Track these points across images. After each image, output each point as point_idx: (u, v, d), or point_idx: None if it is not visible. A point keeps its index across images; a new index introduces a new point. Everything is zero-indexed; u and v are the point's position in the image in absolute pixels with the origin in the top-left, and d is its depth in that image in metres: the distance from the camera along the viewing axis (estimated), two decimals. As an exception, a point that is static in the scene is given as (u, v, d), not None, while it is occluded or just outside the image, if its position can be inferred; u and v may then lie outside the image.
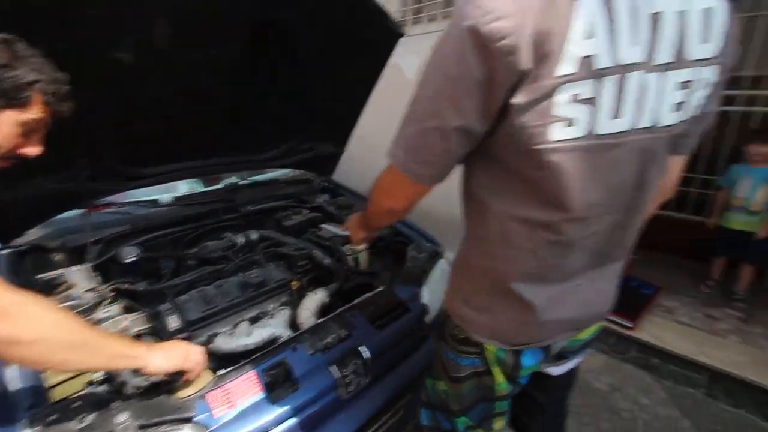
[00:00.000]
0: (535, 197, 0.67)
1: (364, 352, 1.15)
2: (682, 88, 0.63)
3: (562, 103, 0.57)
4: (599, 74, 0.56)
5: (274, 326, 1.32)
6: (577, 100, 0.57)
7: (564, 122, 0.58)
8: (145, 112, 1.31)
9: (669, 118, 0.64)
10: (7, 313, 0.65)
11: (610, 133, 0.61)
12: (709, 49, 0.62)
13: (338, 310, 1.27)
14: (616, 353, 2.35)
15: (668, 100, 0.63)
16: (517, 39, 0.53)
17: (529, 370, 0.87)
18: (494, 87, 0.58)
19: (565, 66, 0.55)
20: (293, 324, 1.37)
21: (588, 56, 0.55)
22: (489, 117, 0.62)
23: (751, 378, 1.91)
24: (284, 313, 1.41)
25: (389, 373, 1.25)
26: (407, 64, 2.82)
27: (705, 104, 0.69)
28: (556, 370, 0.97)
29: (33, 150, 0.78)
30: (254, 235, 1.64)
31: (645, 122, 0.62)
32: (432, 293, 1.49)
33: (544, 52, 0.54)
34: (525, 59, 0.54)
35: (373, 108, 3.09)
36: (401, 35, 1.52)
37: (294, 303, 1.44)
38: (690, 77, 0.62)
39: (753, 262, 2.42)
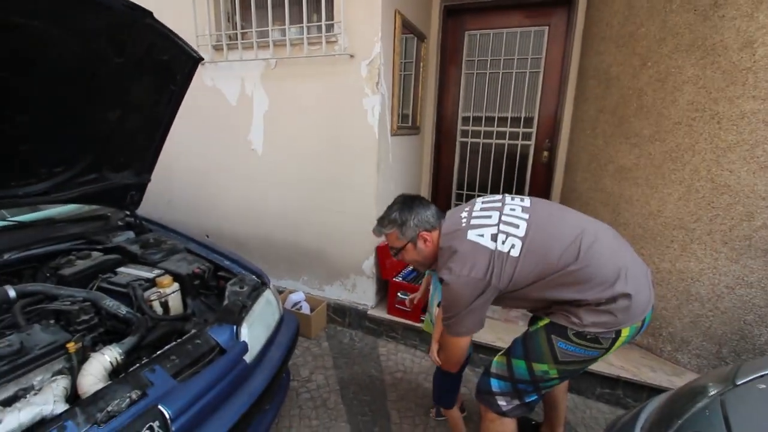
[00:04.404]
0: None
1: (166, 410, 1.01)
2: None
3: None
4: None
5: (41, 403, 1.04)
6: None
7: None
8: None
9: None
10: None
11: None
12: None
13: (130, 369, 1.08)
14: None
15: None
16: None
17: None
18: None
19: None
20: (75, 396, 1.11)
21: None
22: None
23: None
24: (57, 385, 1.12)
25: (205, 421, 1.13)
26: (229, 89, 2.72)
27: None
28: None
29: None
30: (11, 292, 1.28)
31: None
32: (254, 328, 1.42)
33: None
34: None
35: (193, 132, 2.85)
36: (199, 60, 1.46)
37: (74, 369, 1.17)
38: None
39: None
